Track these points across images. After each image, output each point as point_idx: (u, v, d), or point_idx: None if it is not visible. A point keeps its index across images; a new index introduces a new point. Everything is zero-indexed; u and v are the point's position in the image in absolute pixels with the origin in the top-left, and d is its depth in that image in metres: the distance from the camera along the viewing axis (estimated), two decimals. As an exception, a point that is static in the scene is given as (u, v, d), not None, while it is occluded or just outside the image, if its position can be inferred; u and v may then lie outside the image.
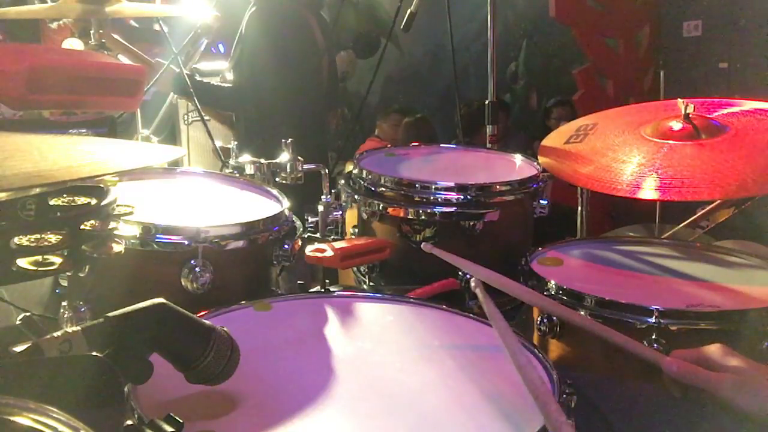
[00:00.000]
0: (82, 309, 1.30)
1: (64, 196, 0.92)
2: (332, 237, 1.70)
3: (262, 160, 1.78)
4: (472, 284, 1.16)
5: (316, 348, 1.11)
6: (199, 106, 2.60)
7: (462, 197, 1.55)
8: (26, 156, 0.88)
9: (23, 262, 0.83)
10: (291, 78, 3.00)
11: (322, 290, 1.38)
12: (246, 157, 1.80)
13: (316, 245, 1.46)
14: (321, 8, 3.41)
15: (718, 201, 2.21)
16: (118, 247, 0.98)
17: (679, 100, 1.58)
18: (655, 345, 1.22)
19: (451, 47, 2.74)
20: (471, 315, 1.23)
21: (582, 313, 1.30)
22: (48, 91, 1.41)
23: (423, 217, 1.56)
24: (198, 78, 2.96)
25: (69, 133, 2.14)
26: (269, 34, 2.99)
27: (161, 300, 0.85)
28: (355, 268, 1.70)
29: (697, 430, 1.06)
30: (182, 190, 1.63)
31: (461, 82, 3.26)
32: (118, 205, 1.01)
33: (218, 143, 2.47)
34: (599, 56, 4.97)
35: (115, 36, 2.51)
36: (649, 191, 1.42)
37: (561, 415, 0.81)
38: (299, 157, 1.77)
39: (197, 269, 1.27)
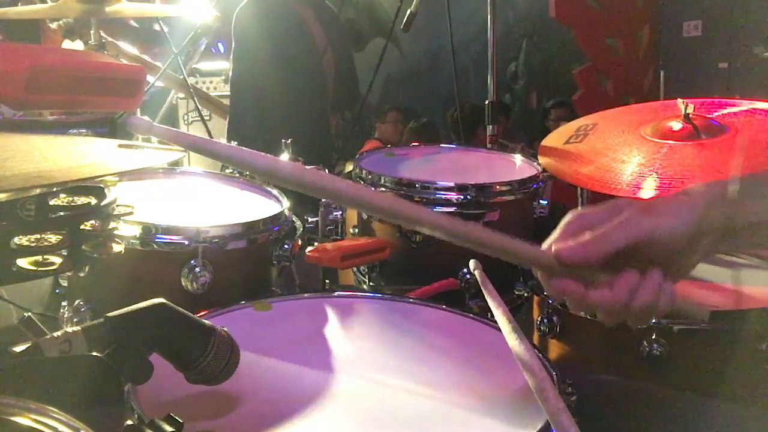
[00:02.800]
0: (82, 309, 1.30)
1: (64, 196, 0.92)
2: (332, 237, 1.70)
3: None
4: (472, 265, 1.15)
5: (316, 348, 1.11)
6: (198, 106, 2.59)
7: (462, 197, 1.55)
8: (26, 157, 0.88)
9: (23, 262, 0.83)
10: (287, 77, 2.86)
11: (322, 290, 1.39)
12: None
13: (316, 245, 1.46)
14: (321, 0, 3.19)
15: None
16: (118, 247, 0.98)
17: (679, 100, 1.58)
18: (655, 345, 1.22)
19: (451, 47, 2.74)
20: (471, 315, 1.23)
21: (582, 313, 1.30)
22: (48, 91, 1.41)
23: (423, 217, 1.56)
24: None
25: (69, 133, 2.14)
26: (260, 32, 2.85)
27: (161, 300, 0.85)
28: (355, 268, 1.70)
29: (696, 429, 1.06)
30: (182, 190, 1.63)
31: (461, 82, 3.26)
32: (118, 205, 1.01)
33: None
34: (599, 56, 4.97)
35: (120, 43, 2.50)
36: (649, 191, 1.42)
37: (560, 401, 0.81)
38: (299, 158, 1.77)
39: (197, 269, 1.27)
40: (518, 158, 1.86)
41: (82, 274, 1.13)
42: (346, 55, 3.20)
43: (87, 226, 0.92)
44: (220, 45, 4.23)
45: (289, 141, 1.77)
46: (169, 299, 0.86)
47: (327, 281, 1.40)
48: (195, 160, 3.59)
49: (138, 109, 2.42)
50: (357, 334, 1.18)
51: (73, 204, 0.92)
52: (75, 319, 1.30)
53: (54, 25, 2.69)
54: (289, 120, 2.84)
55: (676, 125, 1.55)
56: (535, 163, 1.74)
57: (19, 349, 0.75)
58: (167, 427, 0.73)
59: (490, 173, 1.82)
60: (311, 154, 1.89)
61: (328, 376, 1.01)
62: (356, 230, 1.75)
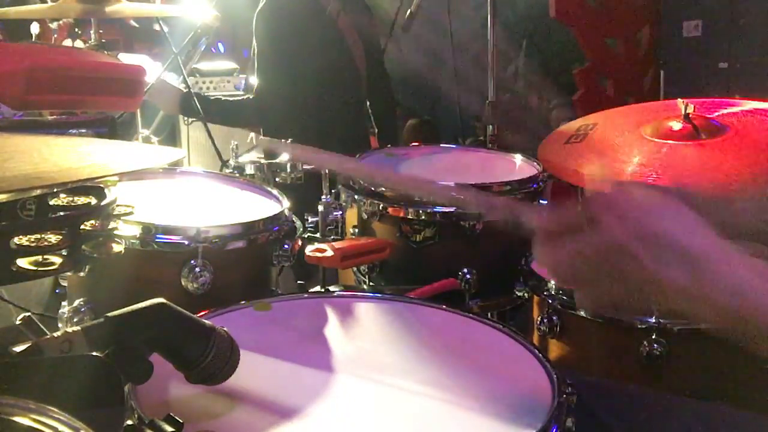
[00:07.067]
0: (82, 309, 1.30)
1: (64, 196, 0.92)
2: (332, 237, 1.70)
3: (262, 160, 1.78)
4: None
5: (316, 348, 1.11)
6: (207, 125, 2.53)
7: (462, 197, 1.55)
8: (26, 157, 0.88)
9: (23, 262, 0.83)
10: (311, 56, 2.53)
11: (322, 290, 1.38)
12: (246, 157, 1.80)
13: (316, 245, 1.46)
14: None
15: (718, 201, 2.21)
16: (118, 247, 0.98)
17: (679, 100, 1.58)
18: (656, 345, 1.22)
19: (451, 47, 2.73)
20: (471, 315, 1.23)
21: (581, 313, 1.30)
22: (48, 91, 1.40)
23: (423, 217, 1.56)
24: (212, 96, 2.69)
25: (69, 133, 2.14)
26: (275, 34, 2.72)
27: (161, 300, 0.85)
28: (355, 268, 1.70)
29: (696, 431, 1.06)
30: (182, 190, 1.63)
31: (461, 82, 3.25)
32: (118, 205, 1.01)
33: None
34: (599, 56, 4.96)
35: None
36: (648, 191, 1.42)
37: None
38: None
39: (197, 269, 1.27)
40: (518, 158, 1.87)
41: (82, 274, 1.13)
42: (364, 20, 2.78)
43: (87, 226, 0.92)
44: (220, 45, 4.23)
45: (288, 141, 1.77)
46: (169, 299, 0.86)
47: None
48: (195, 160, 3.59)
49: (138, 109, 2.42)
50: (357, 334, 1.18)
51: (73, 204, 0.92)
52: (75, 319, 1.30)
53: (54, 25, 2.69)
54: (324, 106, 2.55)
55: (676, 125, 1.55)
56: (535, 163, 1.74)
57: (19, 349, 0.75)
58: (167, 427, 0.73)
59: (490, 173, 1.82)
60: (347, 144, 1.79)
61: (328, 376, 1.01)
62: (356, 230, 1.75)
